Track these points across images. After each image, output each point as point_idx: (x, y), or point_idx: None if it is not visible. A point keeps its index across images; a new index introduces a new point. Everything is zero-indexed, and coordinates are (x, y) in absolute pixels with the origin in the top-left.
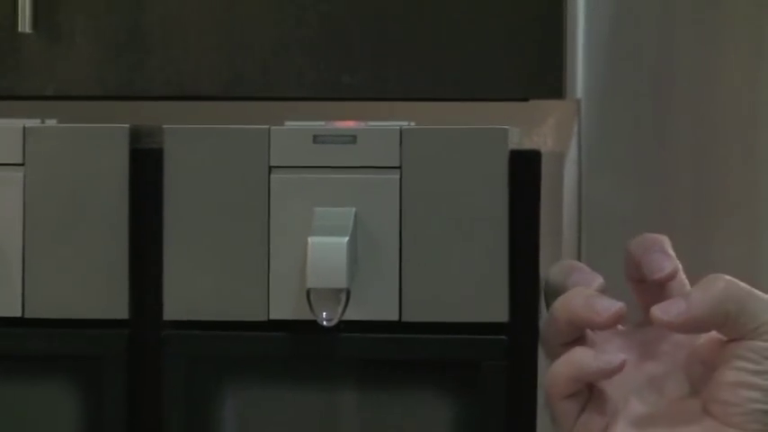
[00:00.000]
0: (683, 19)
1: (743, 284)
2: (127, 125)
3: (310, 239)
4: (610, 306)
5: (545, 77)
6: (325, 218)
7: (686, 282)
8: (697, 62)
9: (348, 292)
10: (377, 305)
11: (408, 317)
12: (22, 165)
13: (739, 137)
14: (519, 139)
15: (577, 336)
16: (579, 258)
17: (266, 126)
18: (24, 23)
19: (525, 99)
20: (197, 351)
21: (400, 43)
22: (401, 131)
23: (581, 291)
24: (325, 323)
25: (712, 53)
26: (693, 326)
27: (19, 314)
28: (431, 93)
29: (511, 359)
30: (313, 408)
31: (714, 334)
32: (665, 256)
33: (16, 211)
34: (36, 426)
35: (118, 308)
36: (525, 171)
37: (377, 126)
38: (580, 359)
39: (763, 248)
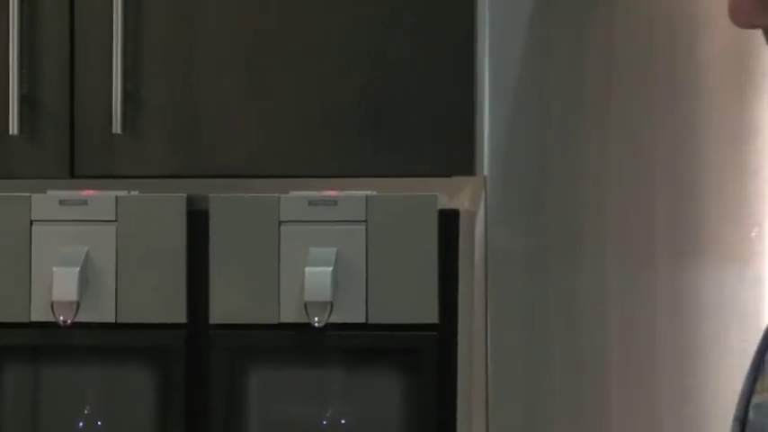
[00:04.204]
0: (555, 124)
1: None
2: (185, 194)
3: (307, 269)
4: None
5: (463, 161)
6: (317, 255)
7: None
8: (567, 146)
9: (332, 304)
10: (351, 312)
11: (372, 320)
12: (115, 221)
13: (592, 197)
14: (445, 202)
15: None
16: (486, 281)
17: (277, 194)
18: (117, 127)
19: (449, 175)
20: (232, 344)
21: (366, 137)
22: (366, 197)
23: None
24: (316, 324)
25: (578, 142)
26: None
27: (113, 320)
28: (386, 171)
29: (439, 348)
30: (308, 382)
31: None
32: None
33: (111, 252)
34: (121, 399)
35: (179, 315)
36: (448, 225)
37: (350, 194)
38: None
39: (607, 277)
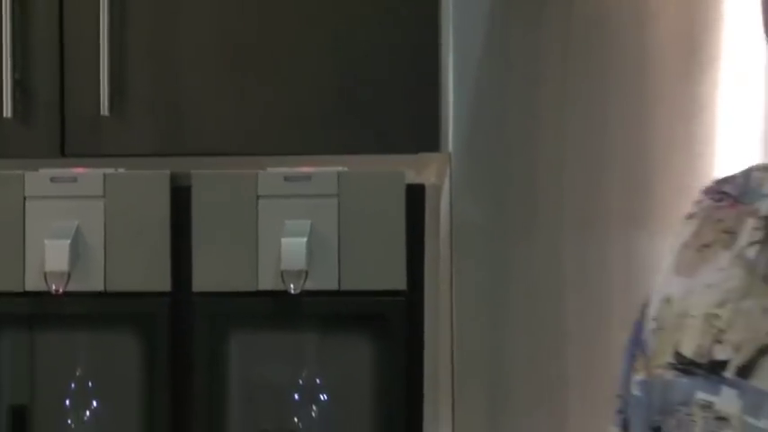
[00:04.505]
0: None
1: None
2: (168, 171)
3: (283, 240)
4: None
5: (429, 138)
6: (292, 226)
7: None
8: (525, 125)
9: (306, 272)
10: (324, 279)
11: (344, 287)
12: (103, 197)
13: (549, 170)
14: (412, 177)
15: None
16: (450, 250)
17: (255, 171)
18: (104, 109)
19: (416, 152)
20: (213, 310)
21: (338, 117)
22: (338, 173)
23: None
24: (292, 291)
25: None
26: None
27: (102, 289)
28: (357, 149)
29: (408, 313)
30: (285, 345)
31: None
32: None
33: (99, 225)
34: (110, 362)
35: (163, 284)
36: (415, 198)
37: (323, 170)
38: None
39: (565, 244)
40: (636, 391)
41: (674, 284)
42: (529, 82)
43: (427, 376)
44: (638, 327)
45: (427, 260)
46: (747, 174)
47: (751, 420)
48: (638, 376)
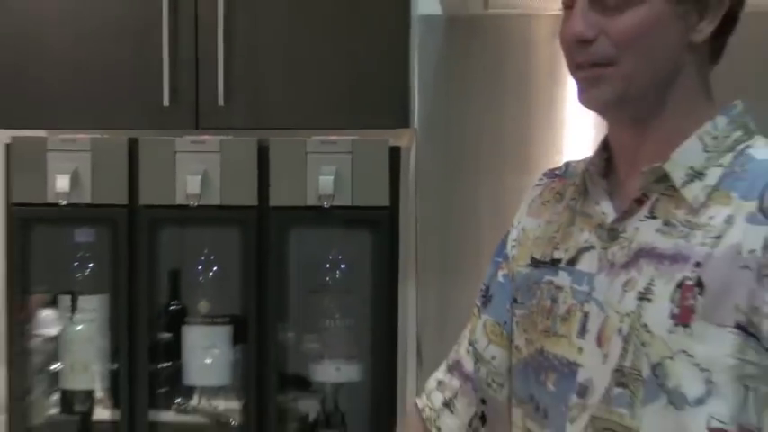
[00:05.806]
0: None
1: None
2: (256, 138)
3: (320, 177)
4: None
5: (402, 119)
6: (325, 170)
7: None
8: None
9: (333, 195)
10: (344, 199)
11: (355, 203)
12: (220, 152)
13: (486, 143)
14: (393, 143)
15: None
16: (416, 185)
17: (305, 138)
18: (220, 101)
19: (395, 128)
20: (282, 216)
21: (351, 106)
22: (352, 140)
23: None
24: (325, 206)
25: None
26: None
27: (219, 203)
28: (363, 125)
29: (390, 219)
30: (322, 237)
31: None
32: None
33: (217, 168)
34: (223, 247)
35: (253, 199)
36: (394, 156)
37: (343, 138)
38: None
39: (480, 184)
40: (501, 279)
41: (528, 222)
42: (466, 86)
43: (402, 256)
44: (502, 245)
45: (402, 189)
46: (567, 164)
47: (576, 287)
48: (502, 272)
